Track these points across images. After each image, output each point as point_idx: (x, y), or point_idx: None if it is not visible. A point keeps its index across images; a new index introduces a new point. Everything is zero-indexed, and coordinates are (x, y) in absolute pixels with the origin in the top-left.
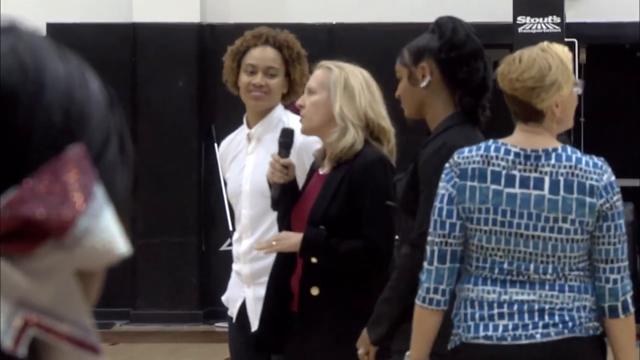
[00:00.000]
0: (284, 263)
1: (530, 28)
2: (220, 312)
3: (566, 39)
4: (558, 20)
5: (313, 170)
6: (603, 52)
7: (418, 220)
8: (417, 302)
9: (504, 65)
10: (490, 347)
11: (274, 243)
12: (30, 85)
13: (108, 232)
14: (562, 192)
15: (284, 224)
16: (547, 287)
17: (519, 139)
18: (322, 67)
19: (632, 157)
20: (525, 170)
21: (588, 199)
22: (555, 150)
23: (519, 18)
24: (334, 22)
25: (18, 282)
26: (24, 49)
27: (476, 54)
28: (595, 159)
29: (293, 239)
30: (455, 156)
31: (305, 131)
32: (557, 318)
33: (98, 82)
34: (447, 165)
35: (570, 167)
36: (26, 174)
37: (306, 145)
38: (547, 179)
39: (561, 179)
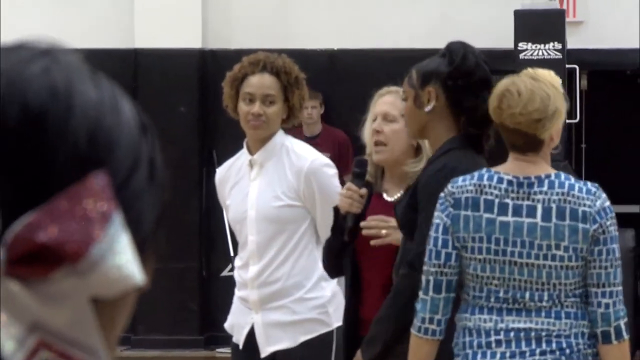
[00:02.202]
0: (354, 291)
1: (532, 54)
2: (221, 338)
3: (567, 65)
4: (559, 46)
5: (371, 194)
6: (604, 78)
7: (416, 240)
8: (413, 331)
9: (499, 100)
10: None
11: (384, 232)
12: (59, 108)
13: (123, 260)
14: (554, 219)
15: (348, 252)
16: (543, 314)
17: (512, 167)
18: (392, 93)
19: (633, 184)
20: (517, 199)
21: (581, 225)
22: (548, 177)
23: (520, 44)
24: (335, 48)
25: (32, 305)
26: (57, 72)
27: (484, 82)
28: (589, 184)
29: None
30: (450, 186)
31: (384, 161)
32: (554, 345)
33: (132, 108)
34: (442, 194)
35: (563, 193)
36: (46, 198)
37: (314, 170)
38: (539, 207)
39: (553, 206)
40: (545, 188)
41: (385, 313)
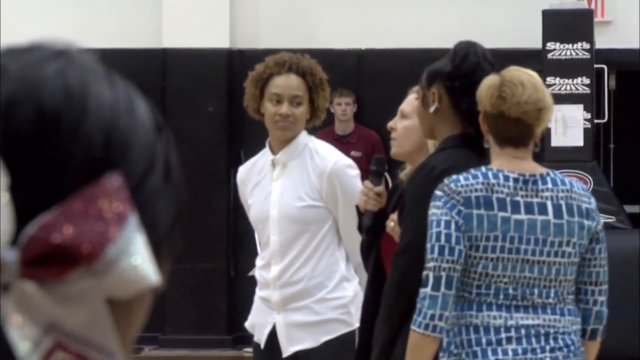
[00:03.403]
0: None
1: (560, 54)
2: (248, 338)
3: (596, 65)
4: (588, 46)
5: (401, 194)
6: (633, 78)
7: (401, 234)
8: (418, 329)
9: (498, 90)
10: None
11: (391, 225)
12: (74, 109)
13: (138, 261)
14: (565, 216)
15: (373, 251)
16: (549, 311)
17: (511, 164)
18: (415, 92)
19: None
20: (527, 196)
21: (586, 222)
22: (548, 174)
23: (548, 44)
24: (363, 48)
25: (47, 306)
26: (72, 73)
27: None
28: (579, 182)
29: None
30: (452, 184)
31: (396, 155)
32: (560, 342)
33: (147, 109)
34: (440, 193)
35: (567, 190)
36: (61, 199)
37: (337, 170)
38: (549, 204)
39: (562, 202)
40: (550, 185)
41: (380, 315)
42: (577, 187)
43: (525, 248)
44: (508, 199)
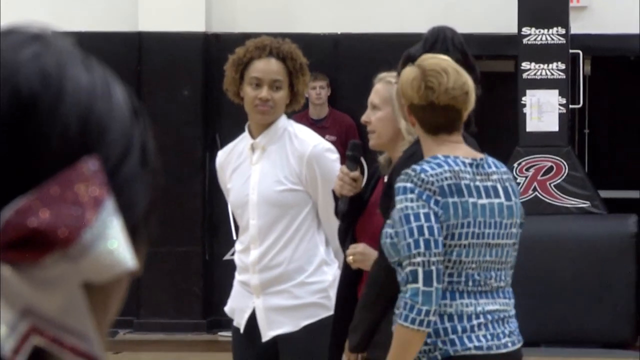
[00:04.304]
0: (350, 271)
1: (535, 39)
2: (223, 322)
3: (571, 51)
4: (563, 31)
5: (378, 178)
6: (607, 64)
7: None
8: (412, 325)
9: (424, 81)
10: (483, 357)
11: (350, 259)
12: (51, 93)
13: (115, 246)
14: (513, 198)
15: (350, 235)
16: (501, 294)
17: (456, 151)
18: (383, 81)
19: (635, 169)
20: (482, 180)
21: (520, 203)
22: (487, 158)
23: (523, 29)
24: (339, 33)
25: (23, 290)
26: (49, 57)
27: None
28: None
29: (370, 259)
30: (422, 175)
31: (375, 147)
32: (512, 326)
33: (124, 93)
34: (410, 185)
35: (505, 172)
36: (37, 183)
37: (316, 154)
38: (499, 186)
39: (507, 185)
40: (493, 168)
41: (364, 300)
42: (506, 168)
43: (488, 232)
44: (472, 184)
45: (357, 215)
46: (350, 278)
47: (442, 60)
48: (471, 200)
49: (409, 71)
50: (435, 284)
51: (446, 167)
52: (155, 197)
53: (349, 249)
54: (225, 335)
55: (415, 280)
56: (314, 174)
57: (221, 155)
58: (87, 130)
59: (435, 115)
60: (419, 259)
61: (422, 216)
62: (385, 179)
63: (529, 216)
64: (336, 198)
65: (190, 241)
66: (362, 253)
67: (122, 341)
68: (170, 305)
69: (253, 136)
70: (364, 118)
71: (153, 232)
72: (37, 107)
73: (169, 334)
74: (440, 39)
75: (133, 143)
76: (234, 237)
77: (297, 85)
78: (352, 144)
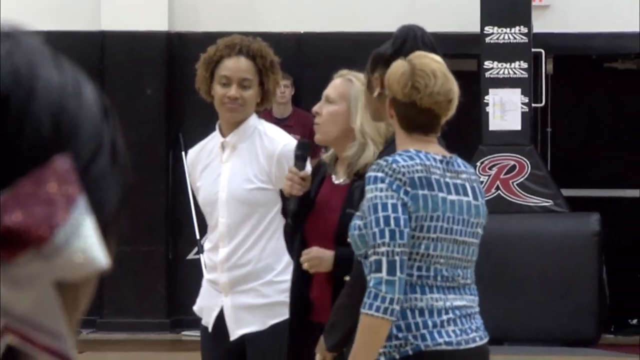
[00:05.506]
0: (302, 274)
1: (498, 38)
2: (187, 321)
3: (533, 49)
4: (525, 30)
5: (323, 176)
6: (570, 62)
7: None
8: (377, 313)
9: (411, 80)
10: (453, 352)
11: (306, 265)
12: (22, 92)
13: (88, 244)
14: (479, 198)
15: (298, 235)
16: (467, 291)
17: (428, 148)
18: (343, 78)
19: (598, 168)
20: (452, 177)
21: (485, 205)
22: (456, 157)
23: (486, 28)
24: (302, 32)
25: None
26: (19, 56)
27: None
28: None
29: (326, 261)
30: (394, 166)
31: (321, 141)
32: (478, 322)
33: (94, 91)
34: (382, 175)
35: (473, 173)
36: (10, 182)
37: (286, 153)
38: (467, 185)
39: (475, 185)
40: (462, 167)
41: (345, 300)
42: (474, 170)
43: (456, 228)
44: (442, 180)
45: (306, 214)
46: (302, 280)
47: (433, 62)
48: (441, 194)
49: (399, 65)
50: (398, 273)
51: (417, 161)
52: (125, 195)
53: (302, 256)
54: (190, 334)
55: (379, 270)
56: (283, 173)
57: (192, 154)
58: (59, 128)
59: (414, 115)
60: (383, 249)
61: (389, 206)
62: (333, 177)
63: (492, 215)
64: (284, 198)
65: (154, 240)
66: (317, 257)
67: (86, 341)
68: (133, 304)
69: (223, 134)
70: (315, 108)
71: (123, 229)
72: (8, 105)
73: (133, 333)
74: (410, 38)
75: (104, 141)
76: (197, 237)
77: (268, 83)
78: (300, 143)
